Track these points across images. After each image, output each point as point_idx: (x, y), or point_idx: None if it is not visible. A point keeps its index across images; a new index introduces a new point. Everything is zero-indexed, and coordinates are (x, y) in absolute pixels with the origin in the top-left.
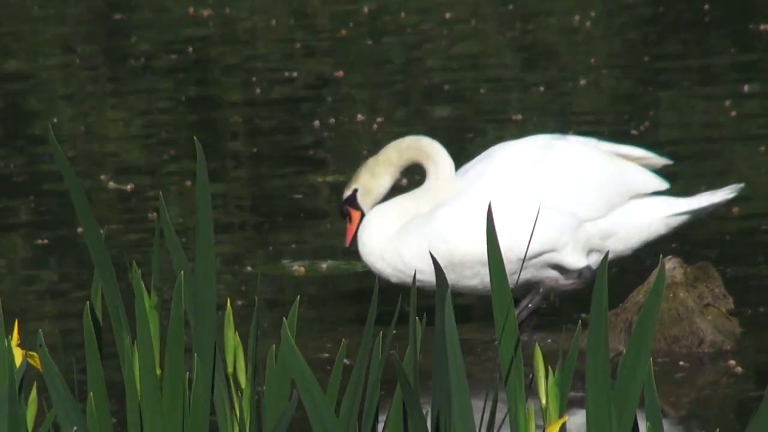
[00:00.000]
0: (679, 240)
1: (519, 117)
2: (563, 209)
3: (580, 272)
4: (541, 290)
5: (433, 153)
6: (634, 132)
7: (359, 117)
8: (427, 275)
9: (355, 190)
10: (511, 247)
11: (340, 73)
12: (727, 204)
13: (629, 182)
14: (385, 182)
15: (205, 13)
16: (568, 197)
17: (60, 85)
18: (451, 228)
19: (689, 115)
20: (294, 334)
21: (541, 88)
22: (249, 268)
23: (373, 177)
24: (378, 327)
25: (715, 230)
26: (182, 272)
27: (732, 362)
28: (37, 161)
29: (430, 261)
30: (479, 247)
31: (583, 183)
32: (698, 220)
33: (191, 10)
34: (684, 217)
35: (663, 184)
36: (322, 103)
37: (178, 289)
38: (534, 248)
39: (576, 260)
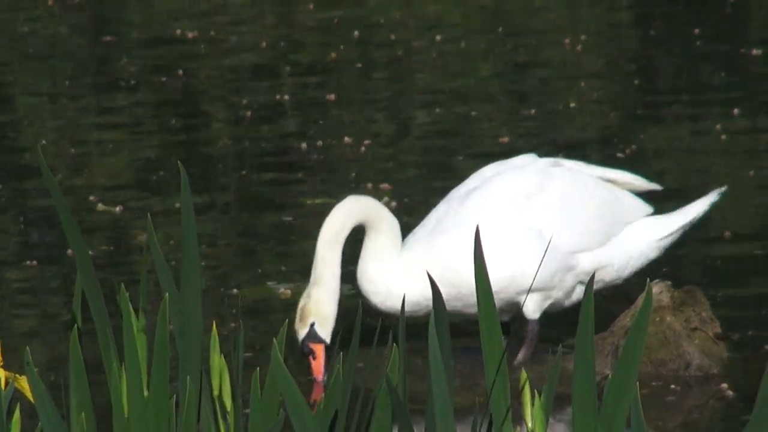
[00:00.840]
0: (668, 265)
1: (506, 140)
2: (563, 246)
3: (532, 323)
4: (531, 329)
5: (371, 208)
6: (620, 155)
7: (347, 140)
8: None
9: (312, 324)
10: (513, 279)
11: (332, 97)
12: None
13: (625, 210)
14: (334, 302)
15: (190, 34)
16: (568, 228)
17: (47, 106)
18: (461, 258)
19: (678, 140)
20: (282, 354)
21: (532, 111)
22: (234, 290)
23: (323, 304)
24: (362, 349)
25: (704, 254)
26: (167, 295)
27: (724, 385)
28: (25, 180)
29: (444, 290)
30: (490, 276)
31: (584, 213)
32: (687, 234)
33: (178, 31)
34: (675, 236)
35: (649, 209)
36: (310, 126)
37: (163, 311)
38: (533, 283)
39: (534, 310)
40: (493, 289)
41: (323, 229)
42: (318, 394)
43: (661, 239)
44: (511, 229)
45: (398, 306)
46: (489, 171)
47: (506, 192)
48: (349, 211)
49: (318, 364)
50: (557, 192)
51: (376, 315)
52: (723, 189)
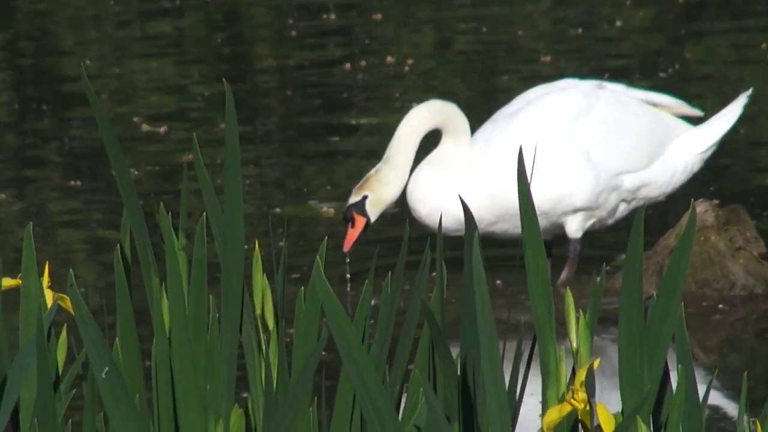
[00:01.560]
0: (713, 183)
1: (548, 59)
2: (608, 167)
3: (574, 242)
4: (573, 248)
5: (453, 115)
6: (663, 75)
7: (389, 59)
8: (482, 225)
9: (365, 197)
10: (561, 199)
11: (378, 16)
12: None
13: (668, 133)
14: (396, 189)
15: None
16: (614, 150)
17: (91, 26)
18: (507, 178)
19: (722, 61)
20: (322, 270)
21: (579, 31)
22: (278, 210)
23: (385, 185)
24: (407, 271)
25: (750, 173)
26: (204, 213)
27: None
28: (69, 102)
29: (490, 211)
30: (537, 196)
31: (629, 135)
32: (733, 151)
33: None
34: (716, 147)
35: (688, 127)
36: (354, 45)
37: (201, 229)
38: (579, 203)
39: (577, 229)
40: (540, 209)
41: (406, 118)
42: (347, 245)
43: (703, 152)
44: (557, 150)
45: (444, 222)
46: (533, 94)
47: (552, 113)
48: (436, 109)
49: (352, 235)
50: (602, 113)
51: (422, 230)
52: (749, 91)
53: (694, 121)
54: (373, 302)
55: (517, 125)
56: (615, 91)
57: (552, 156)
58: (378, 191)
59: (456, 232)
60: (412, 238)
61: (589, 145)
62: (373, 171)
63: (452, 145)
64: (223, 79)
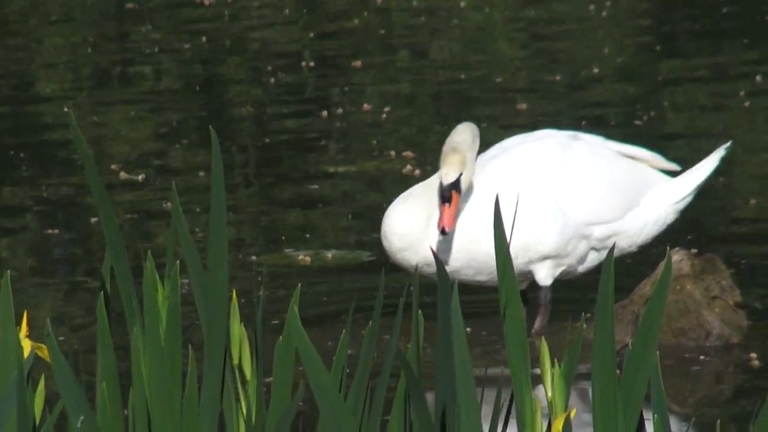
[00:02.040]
0: (689, 233)
1: (524, 106)
2: (579, 217)
3: (544, 289)
4: (544, 295)
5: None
6: (638, 123)
7: (365, 107)
8: (450, 270)
9: (460, 174)
10: (529, 246)
11: (358, 63)
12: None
13: (644, 184)
14: (471, 171)
15: (207, 1)
16: (585, 199)
17: (70, 74)
18: (479, 226)
19: (698, 107)
20: (298, 316)
21: (557, 77)
22: (254, 257)
23: (471, 164)
24: (384, 318)
25: (726, 222)
26: (177, 262)
27: (746, 355)
28: (48, 149)
29: (460, 256)
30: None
31: (601, 186)
32: (708, 202)
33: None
34: (688, 199)
35: (665, 179)
36: (331, 93)
37: (174, 279)
38: (547, 251)
39: (546, 276)
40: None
41: (456, 131)
42: (449, 222)
43: (676, 203)
44: (528, 198)
45: (412, 258)
46: (510, 142)
47: (525, 161)
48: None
49: (451, 213)
50: (575, 164)
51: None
52: (728, 144)
53: (672, 174)
54: (349, 352)
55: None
56: (590, 142)
57: (521, 203)
58: (469, 171)
59: (428, 270)
60: (389, 278)
61: (560, 194)
62: (461, 146)
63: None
64: (210, 126)
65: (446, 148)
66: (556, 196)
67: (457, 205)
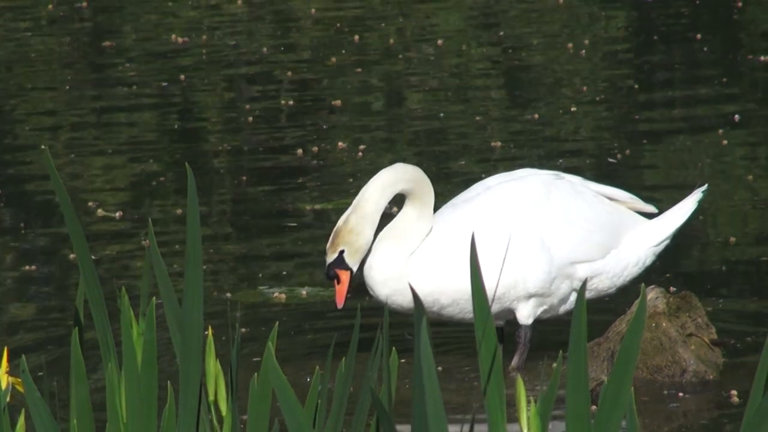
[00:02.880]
0: (667, 271)
1: (498, 144)
2: (563, 256)
3: (525, 328)
4: (524, 333)
5: (423, 183)
6: (612, 160)
7: (340, 144)
8: (435, 308)
9: (342, 251)
10: (515, 284)
11: (338, 102)
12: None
13: (623, 226)
14: (369, 235)
15: (180, 40)
16: (569, 238)
17: (46, 112)
18: (460, 266)
19: (675, 146)
20: (274, 353)
21: (536, 116)
22: (228, 294)
23: (357, 235)
24: (359, 354)
25: (701, 260)
26: (153, 299)
27: (722, 392)
28: (24, 184)
29: (443, 294)
30: (489, 284)
31: (584, 224)
32: (686, 240)
33: (174, 36)
34: (668, 241)
35: (643, 220)
36: (306, 131)
37: (150, 317)
38: (532, 289)
39: (528, 316)
40: (492, 294)
41: (377, 176)
42: (340, 300)
43: (655, 245)
44: (513, 236)
45: (402, 301)
46: (494, 180)
47: (509, 200)
48: (408, 174)
49: (341, 291)
50: (559, 202)
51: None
52: (704, 187)
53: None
54: (329, 386)
55: (474, 211)
56: (572, 182)
57: (505, 241)
58: (353, 242)
59: (408, 309)
60: (365, 309)
61: (544, 232)
62: (341, 222)
63: (415, 214)
64: (186, 164)
65: (339, 223)
66: (541, 234)
67: (349, 280)
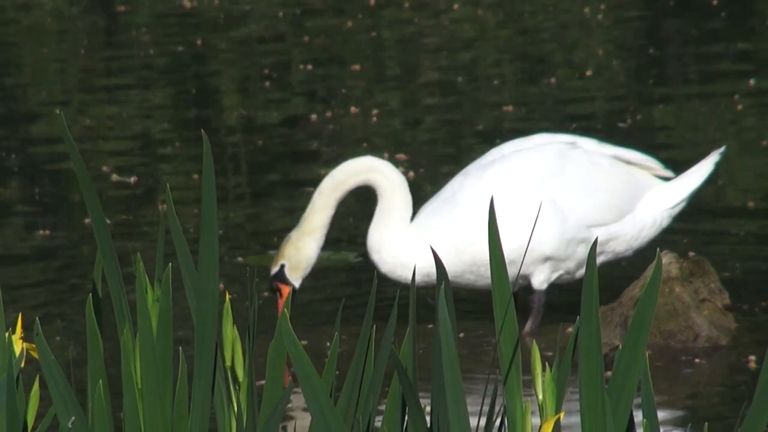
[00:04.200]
0: (682, 235)
1: (510, 108)
2: (578, 220)
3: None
4: (538, 299)
5: (385, 172)
6: (622, 125)
7: (353, 109)
8: (449, 277)
9: (283, 265)
10: (530, 247)
11: (357, 66)
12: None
13: (639, 189)
14: (312, 252)
15: (187, 4)
16: (585, 204)
17: (58, 77)
18: (475, 230)
19: (689, 110)
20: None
21: (552, 80)
22: (240, 258)
23: (298, 250)
24: (374, 321)
25: (716, 226)
26: (170, 265)
27: (733, 356)
28: (37, 150)
29: (457, 262)
30: (506, 245)
31: (600, 193)
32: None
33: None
34: (683, 204)
35: (658, 183)
36: (318, 97)
37: (167, 281)
38: (548, 251)
39: (543, 281)
40: (509, 257)
41: (325, 180)
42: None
43: (672, 207)
44: (526, 201)
45: (409, 275)
46: (508, 148)
47: (524, 170)
48: (355, 168)
49: (281, 305)
50: (574, 173)
51: (391, 285)
52: (722, 149)
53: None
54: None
55: (488, 179)
56: (587, 149)
57: (521, 205)
58: (293, 257)
59: (422, 284)
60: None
61: (559, 198)
62: (287, 237)
63: (390, 204)
64: (202, 130)
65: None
66: (555, 198)
67: (289, 295)
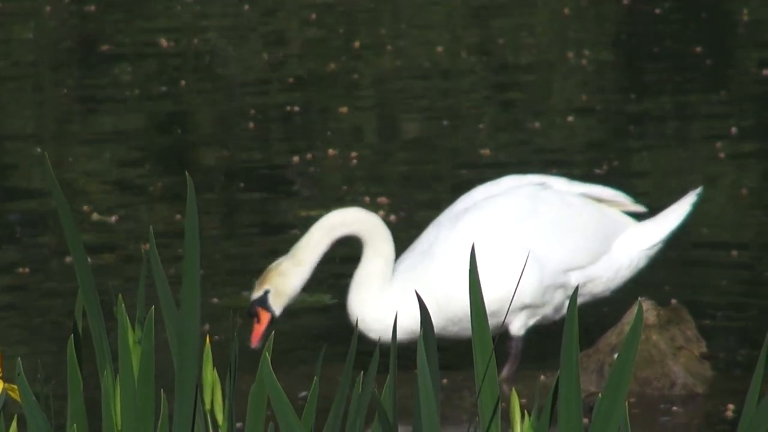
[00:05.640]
0: (657, 284)
1: (487, 152)
2: (554, 265)
3: (516, 339)
4: (515, 345)
5: (374, 226)
6: (598, 171)
7: (330, 152)
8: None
9: (266, 291)
10: (509, 298)
11: (344, 109)
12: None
13: (613, 229)
14: (297, 283)
15: (164, 43)
16: (560, 248)
17: (33, 115)
18: (454, 283)
19: (666, 157)
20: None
21: (528, 124)
22: (215, 300)
23: (285, 278)
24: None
25: (692, 272)
26: (152, 308)
27: (730, 406)
28: (13, 184)
29: (438, 316)
30: (485, 297)
31: (574, 234)
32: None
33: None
34: (661, 244)
35: (631, 222)
36: (296, 137)
37: (149, 326)
38: (527, 300)
39: (520, 327)
40: (489, 309)
41: (323, 219)
42: (255, 340)
43: (648, 248)
44: (503, 251)
45: (399, 336)
46: (478, 194)
47: (496, 216)
48: (352, 217)
49: (258, 330)
50: (548, 216)
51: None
52: (699, 190)
53: (638, 215)
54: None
55: (462, 230)
56: (559, 189)
57: (497, 256)
58: (279, 285)
59: (406, 341)
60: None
61: (535, 245)
62: (274, 264)
63: (373, 257)
64: (186, 173)
65: (272, 264)
66: (530, 246)
67: (268, 323)
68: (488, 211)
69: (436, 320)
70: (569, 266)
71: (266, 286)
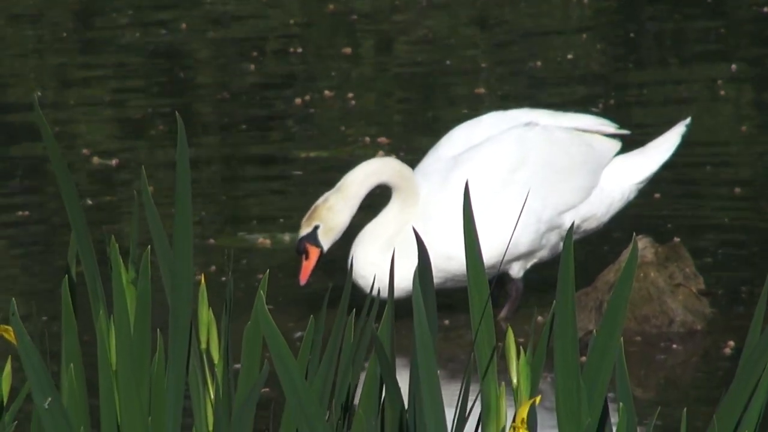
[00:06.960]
0: (656, 219)
1: (482, 90)
2: (549, 210)
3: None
4: (515, 287)
5: (408, 178)
6: (594, 109)
7: (327, 93)
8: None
9: (316, 227)
10: (503, 249)
11: (348, 50)
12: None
13: (601, 160)
14: (346, 217)
15: None
16: (552, 192)
17: (35, 60)
18: (450, 243)
19: (665, 93)
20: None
21: (538, 63)
22: (211, 240)
23: (335, 213)
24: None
25: (693, 210)
26: (149, 247)
27: (731, 342)
28: (11, 130)
29: (438, 275)
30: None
31: (564, 175)
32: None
33: None
34: (651, 177)
35: (618, 145)
36: (296, 78)
37: (145, 264)
38: (524, 250)
39: (519, 271)
40: (487, 263)
41: (362, 165)
42: (303, 276)
43: (639, 182)
44: (497, 205)
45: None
46: (459, 135)
47: (487, 169)
48: (392, 167)
49: (307, 267)
50: (538, 162)
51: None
52: (687, 120)
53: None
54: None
55: (453, 188)
56: (545, 126)
57: (491, 211)
58: (329, 220)
59: (404, 298)
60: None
61: (529, 195)
62: (321, 200)
63: (397, 208)
64: (176, 112)
65: (318, 201)
66: (524, 195)
67: (317, 258)
68: (477, 164)
69: (436, 278)
70: (563, 208)
71: (316, 222)
